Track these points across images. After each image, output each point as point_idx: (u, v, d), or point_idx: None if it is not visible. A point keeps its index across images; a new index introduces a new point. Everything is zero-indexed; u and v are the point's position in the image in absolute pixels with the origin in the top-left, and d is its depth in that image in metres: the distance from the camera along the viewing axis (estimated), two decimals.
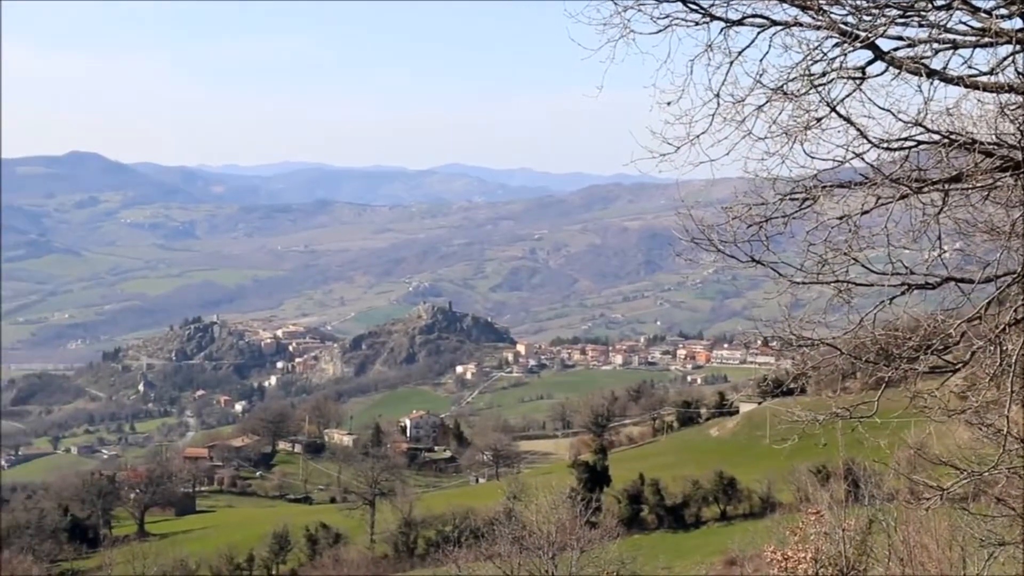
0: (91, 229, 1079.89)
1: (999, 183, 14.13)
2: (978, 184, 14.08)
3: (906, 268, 15.09)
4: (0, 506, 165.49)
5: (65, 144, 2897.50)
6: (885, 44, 14.17)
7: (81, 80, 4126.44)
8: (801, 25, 14.22)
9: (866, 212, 14.71)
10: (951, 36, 14.08)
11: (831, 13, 13.95)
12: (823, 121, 14.24)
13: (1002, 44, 13.77)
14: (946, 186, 14.34)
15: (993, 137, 13.95)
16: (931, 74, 13.90)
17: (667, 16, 14.69)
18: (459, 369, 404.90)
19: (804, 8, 14.13)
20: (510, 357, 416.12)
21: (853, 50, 14.01)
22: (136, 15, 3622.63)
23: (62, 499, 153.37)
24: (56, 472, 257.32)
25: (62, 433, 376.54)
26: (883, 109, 14.08)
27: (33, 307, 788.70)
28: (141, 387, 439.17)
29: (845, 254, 14.93)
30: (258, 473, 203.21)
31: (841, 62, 14.17)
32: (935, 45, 14.15)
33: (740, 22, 14.55)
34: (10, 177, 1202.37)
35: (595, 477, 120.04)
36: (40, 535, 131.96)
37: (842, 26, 13.91)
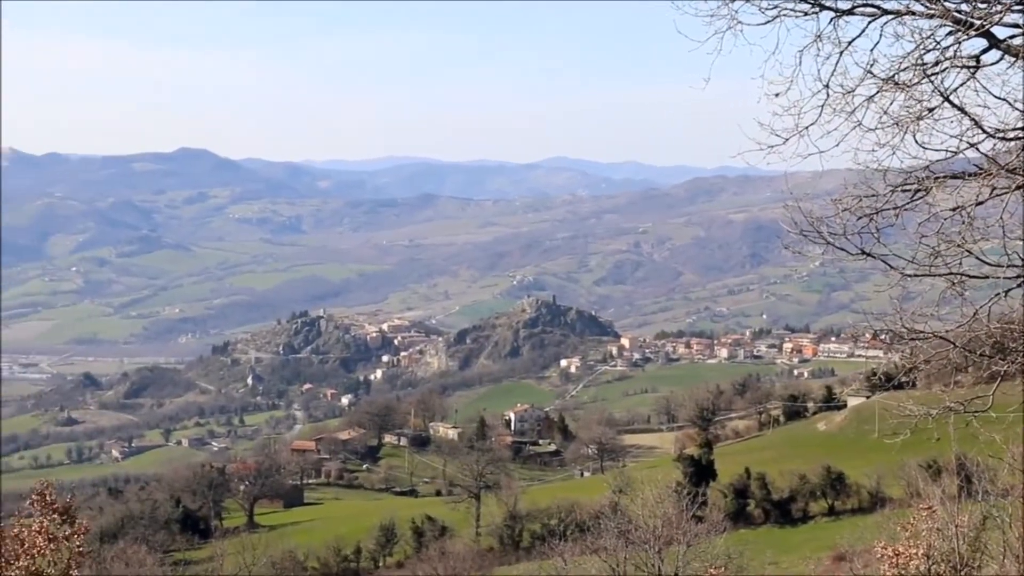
0: (200, 224, 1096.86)
1: None
2: None
3: (1021, 260, 14.79)
4: (116, 497, 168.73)
5: (175, 141, 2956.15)
6: (1001, 32, 13.91)
7: (191, 78, 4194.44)
8: (913, 14, 14.01)
9: (981, 203, 14.45)
10: None
11: (944, 2, 13.73)
12: (935, 111, 14.03)
13: None
14: None
15: None
16: None
17: (775, 7, 14.57)
18: (563, 363, 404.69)
19: None
20: (614, 351, 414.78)
21: (967, 39, 13.77)
22: (245, 12, 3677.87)
23: (174, 490, 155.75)
24: (168, 464, 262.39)
25: (173, 426, 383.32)
26: (998, 98, 13.83)
27: (145, 302, 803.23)
28: (249, 380, 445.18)
29: (959, 246, 14.68)
30: (364, 466, 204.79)
31: (955, 51, 13.95)
32: None
33: (850, 12, 14.38)
34: (123, 173, 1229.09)
35: (701, 471, 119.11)
36: (153, 526, 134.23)
37: (956, 14, 13.67)
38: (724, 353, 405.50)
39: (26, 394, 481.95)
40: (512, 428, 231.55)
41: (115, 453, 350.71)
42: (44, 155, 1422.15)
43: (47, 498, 31.29)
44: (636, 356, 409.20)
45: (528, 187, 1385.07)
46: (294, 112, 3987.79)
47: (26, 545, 30.72)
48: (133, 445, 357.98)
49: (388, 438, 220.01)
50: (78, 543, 31.38)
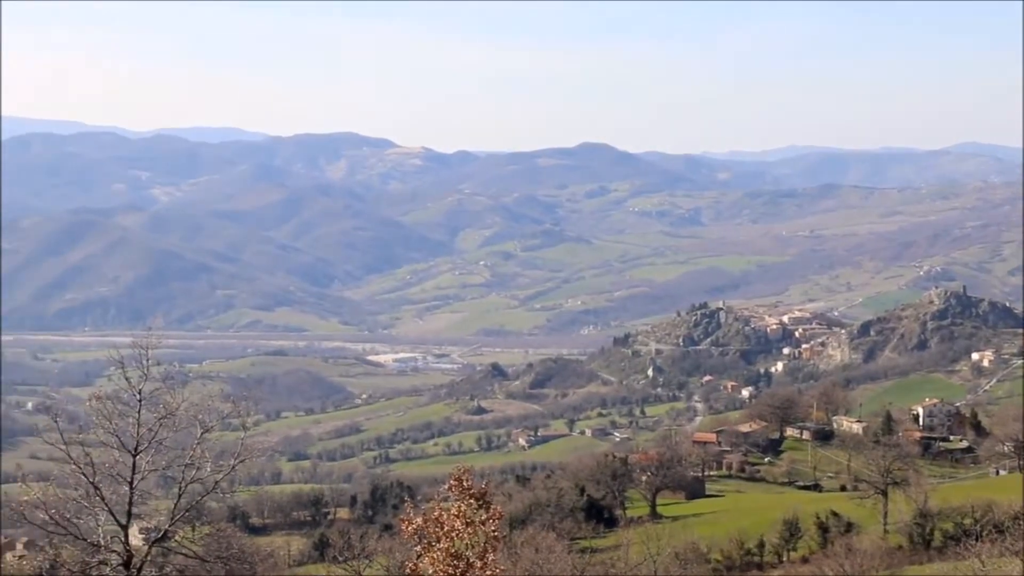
0: (601, 218, 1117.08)
1: None
2: None
3: None
4: (523, 484, 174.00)
5: (577, 136, 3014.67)
6: None
7: (592, 74, 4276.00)
8: None
9: None
10: None
11: None
12: None
13: None
14: None
15: None
16: None
17: None
18: (975, 356, 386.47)
19: None
20: None
21: None
22: (646, 8, 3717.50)
23: (578, 479, 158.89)
24: (572, 453, 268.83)
25: (577, 415, 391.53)
26: None
27: (548, 294, 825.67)
28: (650, 372, 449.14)
29: None
30: (766, 459, 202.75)
31: None
32: None
33: None
34: (528, 169, 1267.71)
35: None
36: (559, 513, 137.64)
37: None
38: None
39: (439, 383, 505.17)
40: (920, 423, 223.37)
41: (521, 442, 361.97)
42: (454, 153, 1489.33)
43: (464, 483, 32.44)
44: None
45: (935, 174, 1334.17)
46: (693, 104, 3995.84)
47: (445, 528, 31.97)
48: (538, 434, 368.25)
49: (790, 431, 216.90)
50: (493, 527, 32.36)
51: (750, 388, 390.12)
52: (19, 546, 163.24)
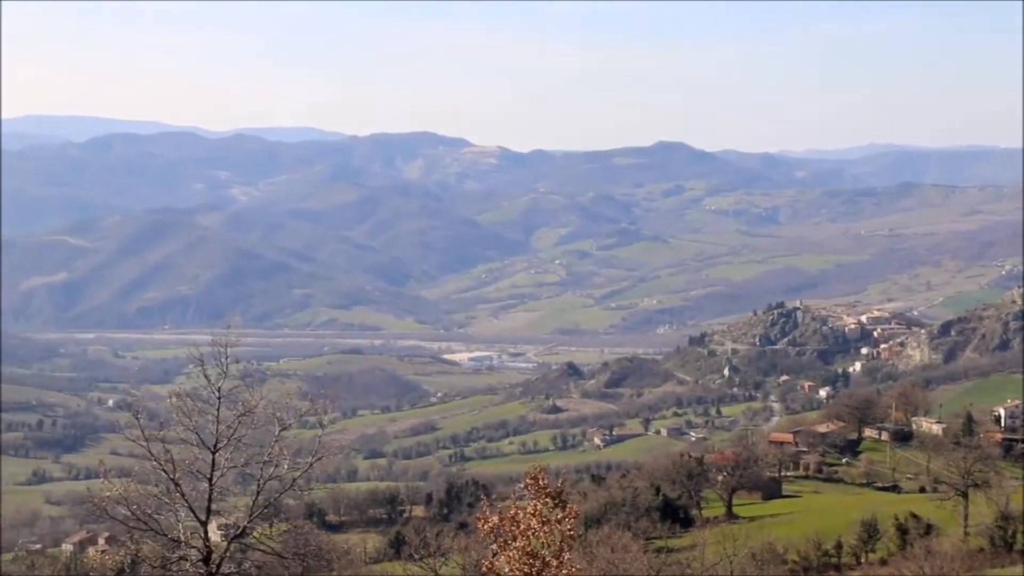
0: (677, 217, 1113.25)
1: None
2: None
3: None
4: (598, 483, 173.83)
5: (653, 135, 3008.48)
6: None
7: (669, 73, 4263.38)
8: None
9: None
10: None
11: None
12: None
13: None
14: None
15: None
16: None
17: None
18: None
19: None
20: None
21: None
22: (725, 7, 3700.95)
23: (654, 479, 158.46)
24: (647, 452, 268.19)
25: (652, 415, 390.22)
26: None
27: (624, 293, 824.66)
28: (726, 371, 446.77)
29: None
30: (844, 460, 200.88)
31: None
32: None
33: None
34: (603, 168, 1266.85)
35: None
36: (635, 512, 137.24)
37: None
38: None
39: (514, 382, 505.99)
40: (1001, 424, 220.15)
41: (597, 441, 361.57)
42: (530, 152, 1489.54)
43: (540, 482, 32.49)
44: None
45: (1017, 172, 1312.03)
46: (770, 103, 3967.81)
47: (522, 527, 32.03)
48: (614, 433, 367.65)
49: (868, 432, 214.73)
50: (569, 526, 32.39)
51: (827, 388, 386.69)
52: (101, 541, 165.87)
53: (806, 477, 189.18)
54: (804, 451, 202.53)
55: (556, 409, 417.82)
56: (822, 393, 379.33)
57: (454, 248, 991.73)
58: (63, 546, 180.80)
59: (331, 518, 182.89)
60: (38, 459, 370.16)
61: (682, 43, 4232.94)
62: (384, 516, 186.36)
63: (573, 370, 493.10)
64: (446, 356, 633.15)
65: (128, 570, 48.38)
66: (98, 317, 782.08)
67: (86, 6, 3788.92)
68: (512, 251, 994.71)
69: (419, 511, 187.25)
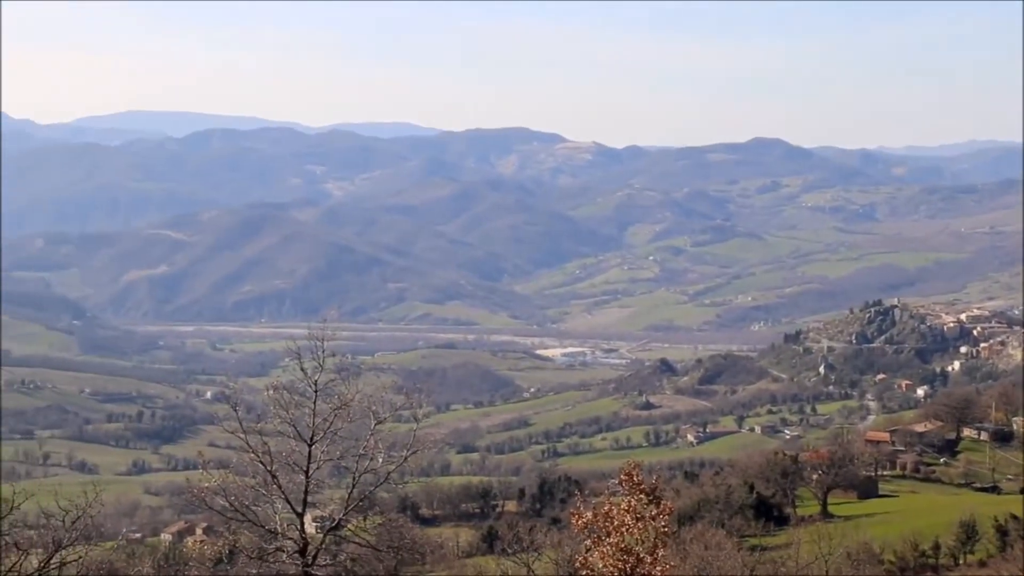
0: (772, 213, 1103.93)
1: None
2: None
3: None
4: (691, 480, 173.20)
5: (749, 131, 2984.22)
6: None
7: (764, 68, 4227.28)
8: None
9: None
10: None
11: None
12: None
13: None
14: None
15: None
16: None
17: None
18: None
19: None
20: None
21: None
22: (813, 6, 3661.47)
23: (747, 476, 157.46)
24: (741, 450, 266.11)
25: (746, 412, 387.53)
26: None
27: (719, 290, 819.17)
28: (821, 369, 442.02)
29: None
30: (942, 459, 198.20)
31: None
32: None
33: None
34: (698, 164, 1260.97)
35: None
36: (728, 510, 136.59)
37: None
38: None
39: (608, 378, 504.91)
40: None
41: (690, 438, 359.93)
42: (625, 148, 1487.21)
43: (634, 478, 32.46)
44: None
45: None
46: (868, 99, 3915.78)
47: (615, 523, 32.03)
48: (707, 431, 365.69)
49: (967, 432, 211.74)
50: (663, 523, 32.33)
51: (925, 387, 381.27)
52: (199, 531, 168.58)
53: (903, 477, 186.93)
54: (901, 450, 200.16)
55: (649, 405, 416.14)
56: (920, 392, 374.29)
57: (548, 243, 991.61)
58: (162, 536, 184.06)
59: (424, 512, 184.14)
60: (138, 450, 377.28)
61: (778, 39, 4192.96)
62: (477, 511, 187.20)
63: (666, 366, 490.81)
64: (539, 352, 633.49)
65: (226, 560, 49.12)
66: (196, 310, 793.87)
67: (188, 4, 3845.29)
68: (606, 247, 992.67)
69: (511, 506, 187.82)
